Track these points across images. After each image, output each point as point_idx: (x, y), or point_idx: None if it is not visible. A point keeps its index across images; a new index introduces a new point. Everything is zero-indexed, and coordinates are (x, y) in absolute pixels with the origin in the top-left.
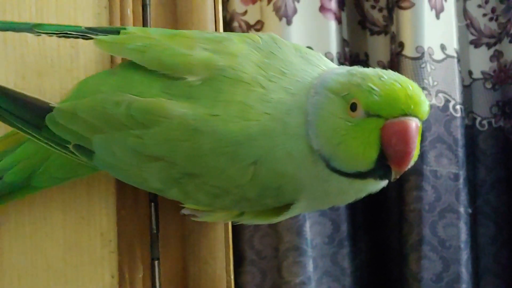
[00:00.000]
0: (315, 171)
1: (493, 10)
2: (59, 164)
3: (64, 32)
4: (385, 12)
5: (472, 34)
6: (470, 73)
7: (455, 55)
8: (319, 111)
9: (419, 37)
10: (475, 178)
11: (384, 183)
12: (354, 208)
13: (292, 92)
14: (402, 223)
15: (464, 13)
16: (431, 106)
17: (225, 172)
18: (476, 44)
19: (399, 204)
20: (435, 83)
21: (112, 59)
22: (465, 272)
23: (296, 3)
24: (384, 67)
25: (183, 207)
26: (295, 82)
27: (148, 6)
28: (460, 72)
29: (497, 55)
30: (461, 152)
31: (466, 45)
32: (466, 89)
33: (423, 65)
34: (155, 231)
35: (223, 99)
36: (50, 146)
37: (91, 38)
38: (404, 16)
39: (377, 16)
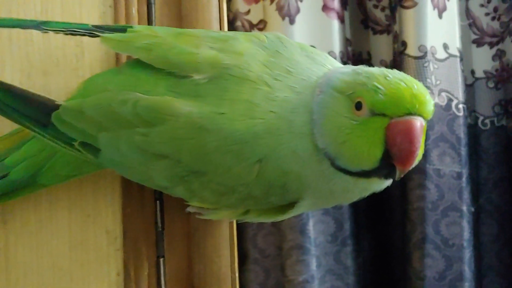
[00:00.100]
0: (319, 170)
1: (495, 9)
2: (64, 162)
3: (71, 30)
4: (387, 11)
5: (474, 33)
6: (472, 72)
7: (457, 54)
8: (324, 109)
9: (422, 36)
10: (478, 177)
11: (388, 182)
12: (357, 207)
13: (297, 91)
14: (405, 222)
15: (466, 12)
16: (434, 105)
17: (231, 170)
18: (478, 43)
19: (402, 203)
20: (438, 82)
21: (117, 58)
22: (468, 271)
23: (299, 2)
24: (386, 66)
25: (188, 205)
26: (301, 81)
27: (153, 5)
28: (462, 71)
29: (499, 54)
30: (464, 151)
31: (469, 44)
32: (469, 88)
33: (425, 64)
34: (160, 229)
35: (229, 97)
36: (56, 143)
37: (98, 36)
38: (407, 15)
39: (380, 15)
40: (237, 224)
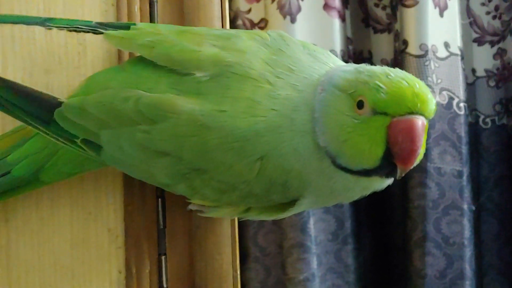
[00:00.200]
0: (321, 168)
1: (496, 8)
2: (67, 159)
3: (74, 26)
4: (388, 10)
5: (475, 32)
6: (473, 71)
7: (458, 53)
8: (326, 108)
9: (423, 35)
10: (479, 175)
11: (389, 181)
12: (358, 205)
13: (299, 89)
14: (406, 220)
15: (467, 11)
16: (436, 104)
17: (232, 167)
18: (479, 42)
19: (403, 201)
20: (439, 80)
21: (119, 56)
22: (468, 269)
23: (300, 1)
24: (387, 65)
25: (190, 203)
26: (303, 79)
27: (155, 3)
28: (463, 70)
29: (500, 53)
30: (464, 149)
31: (470, 43)
32: (470, 87)
33: (427, 63)
34: (162, 227)
35: (231, 95)
36: (58, 140)
37: (101, 33)
38: (408, 14)
39: (381, 14)
40: (238, 223)
